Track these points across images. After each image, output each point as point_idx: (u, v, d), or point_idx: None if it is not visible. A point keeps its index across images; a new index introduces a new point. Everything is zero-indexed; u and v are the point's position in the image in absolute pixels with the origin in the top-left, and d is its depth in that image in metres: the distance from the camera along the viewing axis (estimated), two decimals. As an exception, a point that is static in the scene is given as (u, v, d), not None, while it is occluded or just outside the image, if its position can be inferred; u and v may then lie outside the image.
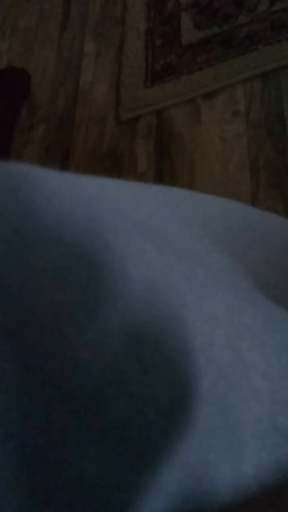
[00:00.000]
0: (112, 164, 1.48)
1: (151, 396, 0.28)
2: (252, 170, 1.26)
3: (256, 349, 0.31)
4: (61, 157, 1.59)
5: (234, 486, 0.29)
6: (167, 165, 1.39)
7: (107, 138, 1.54)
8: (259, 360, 0.31)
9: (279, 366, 0.32)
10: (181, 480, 0.27)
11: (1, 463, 0.27)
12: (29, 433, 0.27)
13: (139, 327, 0.28)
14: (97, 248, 0.30)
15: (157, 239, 0.35)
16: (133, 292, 0.29)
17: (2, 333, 0.29)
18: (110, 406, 0.27)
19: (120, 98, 1.58)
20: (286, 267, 0.48)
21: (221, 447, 0.29)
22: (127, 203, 0.37)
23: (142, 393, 0.28)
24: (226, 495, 0.29)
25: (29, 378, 0.28)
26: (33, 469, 0.27)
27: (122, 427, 0.27)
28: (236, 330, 0.31)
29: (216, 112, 1.40)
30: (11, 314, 0.29)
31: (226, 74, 1.43)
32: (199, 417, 0.28)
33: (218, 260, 0.40)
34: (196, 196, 0.48)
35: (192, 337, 0.29)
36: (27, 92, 1.79)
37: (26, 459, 0.27)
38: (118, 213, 0.34)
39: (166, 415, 0.27)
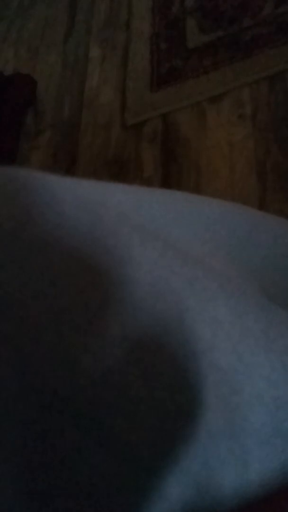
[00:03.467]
0: (118, 169, 1.48)
1: (153, 401, 0.27)
2: (259, 174, 1.26)
3: (260, 353, 0.31)
4: (67, 162, 1.59)
5: (238, 492, 0.29)
6: (173, 169, 1.39)
7: (113, 143, 1.54)
8: (263, 364, 0.31)
9: (283, 370, 0.31)
10: (184, 486, 0.27)
11: (1, 469, 0.27)
12: (28, 438, 0.27)
13: (140, 332, 0.28)
14: (97, 252, 0.30)
15: (159, 242, 0.34)
16: (134, 297, 0.29)
17: (0, 337, 0.28)
18: (110, 411, 0.27)
19: (125, 103, 1.58)
20: None
21: (225, 453, 0.28)
22: (129, 206, 0.36)
23: (143, 398, 0.27)
24: (230, 501, 0.28)
25: (27, 383, 0.28)
26: (33, 474, 0.27)
27: (122, 432, 0.27)
28: (239, 334, 0.31)
29: (222, 116, 1.40)
30: (9, 319, 0.28)
31: (232, 78, 1.43)
32: (202, 422, 0.27)
33: (223, 263, 0.40)
34: (200, 199, 0.48)
35: (194, 342, 0.29)
36: (33, 98, 1.79)
37: (26, 464, 0.27)
38: (119, 217, 0.34)
39: (168, 421, 0.27)
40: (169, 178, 1.38)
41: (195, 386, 0.28)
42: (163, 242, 0.35)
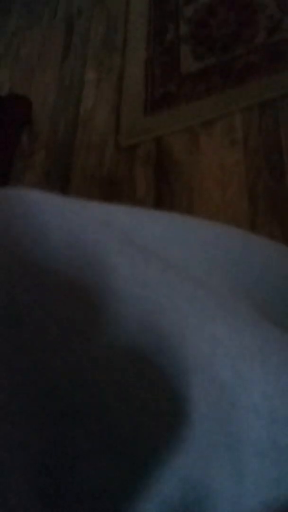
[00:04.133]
0: (111, 190, 1.49)
1: (153, 411, 0.28)
2: (251, 197, 1.28)
3: (256, 369, 0.32)
4: (61, 182, 1.61)
5: (234, 502, 0.29)
6: (166, 191, 1.41)
7: (106, 164, 1.56)
8: (259, 379, 0.32)
9: (278, 385, 0.33)
10: (182, 493, 0.28)
11: (15, 472, 0.28)
12: (41, 443, 0.28)
13: (143, 347, 0.29)
14: (104, 270, 0.31)
15: (160, 262, 0.36)
16: (138, 312, 0.30)
17: (14, 347, 0.29)
18: (114, 419, 0.28)
19: (120, 125, 1.61)
20: (284, 290, 0.49)
21: (222, 463, 0.29)
22: (132, 227, 0.38)
23: (145, 408, 0.28)
24: (227, 510, 0.29)
25: (40, 391, 0.29)
26: (46, 477, 0.28)
27: (125, 439, 0.28)
28: (237, 350, 0.32)
29: (215, 140, 1.42)
30: (22, 330, 0.30)
31: (224, 103, 1.45)
32: (200, 432, 0.28)
33: (219, 283, 0.41)
34: (197, 222, 0.50)
35: (194, 357, 0.30)
36: (28, 119, 1.81)
37: (38, 468, 0.28)
38: (123, 237, 0.36)
39: (167, 429, 0.28)
40: (162, 200, 1.40)
41: (193, 398, 0.29)
42: (164, 262, 0.36)
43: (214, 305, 0.35)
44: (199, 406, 0.29)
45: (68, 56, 1.91)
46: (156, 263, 0.35)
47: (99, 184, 1.53)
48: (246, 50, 1.52)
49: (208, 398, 0.29)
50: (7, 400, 0.29)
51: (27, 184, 1.64)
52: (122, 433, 0.28)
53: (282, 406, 0.32)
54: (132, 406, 0.28)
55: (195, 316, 0.32)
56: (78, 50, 1.90)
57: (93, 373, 0.29)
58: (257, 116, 1.39)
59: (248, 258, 0.49)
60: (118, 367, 0.29)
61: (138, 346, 0.29)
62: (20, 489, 0.27)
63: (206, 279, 0.40)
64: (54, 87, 1.85)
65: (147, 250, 0.36)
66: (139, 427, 0.28)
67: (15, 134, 1.76)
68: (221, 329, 0.33)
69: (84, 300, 0.30)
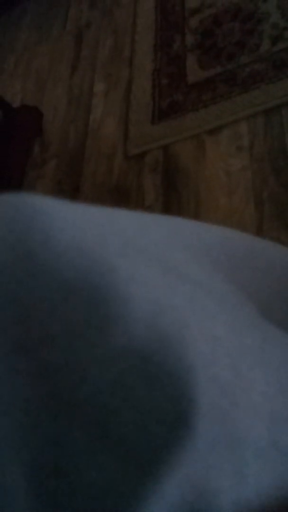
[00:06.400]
0: (121, 197, 1.52)
1: (155, 410, 0.29)
2: (257, 203, 1.29)
3: (256, 369, 0.33)
4: (71, 190, 1.63)
5: (235, 502, 0.30)
6: (173, 198, 1.43)
7: (115, 173, 1.58)
8: (259, 379, 0.32)
9: (278, 385, 0.33)
10: (183, 492, 0.28)
11: (14, 470, 0.28)
12: (41, 442, 0.29)
13: (144, 345, 0.30)
14: (105, 271, 0.32)
15: (161, 264, 0.37)
16: (138, 313, 0.31)
17: (17, 348, 0.30)
18: (116, 419, 0.29)
19: (128, 134, 1.63)
20: None
21: (223, 463, 0.30)
22: (134, 230, 0.39)
23: (146, 407, 0.29)
24: (227, 511, 0.29)
25: (41, 391, 0.29)
26: (43, 477, 0.28)
27: (127, 439, 0.29)
28: (237, 350, 0.33)
29: (221, 147, 1.44)
30: (25, 330, 0.30)
31: (230, 111, 1.47)
32: (201, 432, 0.29)
33: (220, 286, 0.41)
34: (199, 225, 0.50)
35: (194, 356, 0.30)
36: (40, 130, 1.84)
37: (37, 467, 0.29)
38: (124, 240, 0.36)
39: (168, 429, 0.29)
40: (170, 206, 1.42)
41: (194, 398, 0.29)
42: (165, 264, 0.37)
43: (214, 306, 0.35)
44: (199, 406, 0.29)
45: (78, 68, 1.94)
46: (157, 265, 0.36)
47: (108, 192, 1.55)
48: (251, 59, 1.54)
49: (209, 398, 0.29)
50: (6, 397, 0.29)
51: (39, 193, 1.66)
52: (123, 432, 0.29)
53: (282, 406, 0.32)
54: (132, 406, 0.29)
55: (195, 316, 0.32)
56: (87, 62, 1.93)
57: (94, 373, 0.29)
58: (262, 123, 1.41)
59: (252, 262, 0.49)
60: (119, 367, 0.29)
61: (139, 345, 0.30)
62: (18, 488, 0.28)
63: (208, 281, 0.40)
64: (64, 98, 1.88)
65: (149, 253, 0.37)
66: (140, 426, 0.29)
67: (27, 144, 1.79)
68: (221, 329, 0.33)
69: (86, 300, 0.31)
